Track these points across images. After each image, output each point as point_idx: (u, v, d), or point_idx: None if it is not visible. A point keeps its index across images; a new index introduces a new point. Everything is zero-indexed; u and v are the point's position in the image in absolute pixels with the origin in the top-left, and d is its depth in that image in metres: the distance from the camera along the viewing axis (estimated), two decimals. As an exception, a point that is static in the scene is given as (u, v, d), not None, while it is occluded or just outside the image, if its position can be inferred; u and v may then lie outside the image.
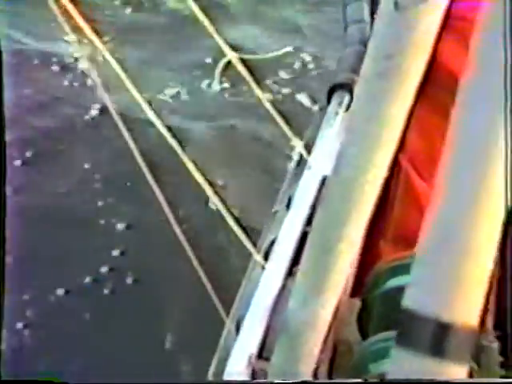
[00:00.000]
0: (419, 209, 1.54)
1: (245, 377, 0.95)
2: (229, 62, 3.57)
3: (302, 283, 0.86)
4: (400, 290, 1.21)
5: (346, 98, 1.50)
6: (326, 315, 0.89)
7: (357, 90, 0.70)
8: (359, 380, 1.21)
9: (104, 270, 2.67)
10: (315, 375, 1.15)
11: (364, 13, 1.73)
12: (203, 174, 2.99)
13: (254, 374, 0.95)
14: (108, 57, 3.54)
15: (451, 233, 0.49)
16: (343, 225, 0.77)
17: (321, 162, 1.32)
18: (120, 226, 2.84)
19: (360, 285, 1.50)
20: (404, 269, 1.24)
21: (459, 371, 0.52)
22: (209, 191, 2.88)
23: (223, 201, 2.81)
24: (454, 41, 1.64)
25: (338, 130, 1.38)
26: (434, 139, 1.50)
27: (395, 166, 1.93)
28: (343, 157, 0.72)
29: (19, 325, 2.56)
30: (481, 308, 0.51)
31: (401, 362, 0.53)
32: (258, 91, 3.15)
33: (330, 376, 1.10)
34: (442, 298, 0.49)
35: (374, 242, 1.82)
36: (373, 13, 1.88)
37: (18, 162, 3.05)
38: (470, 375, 0.96)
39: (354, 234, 0.78)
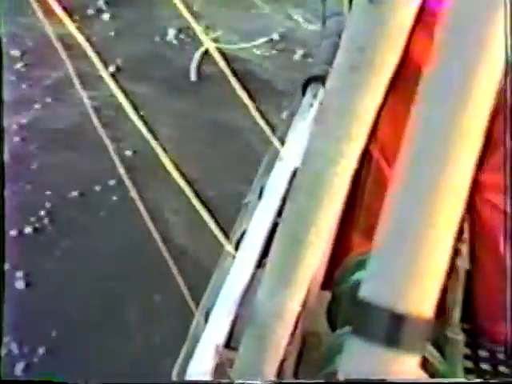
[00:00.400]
0: None
1: (211, 366, 0.95)
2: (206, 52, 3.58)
3: (271, 274, 0.86)
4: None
5: (321, 91, 1.50)
6: (293, 307, 0.89)
7: (329, 81, 0.70)
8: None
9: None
10: (282, 366, 1.16)
11: (343, 6, 1.73)
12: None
13: (220, 364, 0.95)
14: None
15: (407, 225, 0.49)
16: (312, 217, 0.77)
17: (293, 154, 1.32)
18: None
19: (331, 277, 1.51)
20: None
21: (413, 361, 0.52)
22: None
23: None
24: (427, 36, 1.67)
25: (310, 122, 1.39)
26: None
27: (366, 157, 1.96)
28: (312, 148, 0.72)
29: (41, 212, 3.24)
30: (436, 299, 0.51)
31: (355, 352, 0.54)
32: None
33: (297, 367, 1.11)
34: (397, 289, 0.50)
35: (346, 233, 1.84)
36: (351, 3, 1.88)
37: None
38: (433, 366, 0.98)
39: (324, 226, 0.78)
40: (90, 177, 3.48)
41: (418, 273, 0.49)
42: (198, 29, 3.57)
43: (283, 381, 1.06)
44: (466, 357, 2.28)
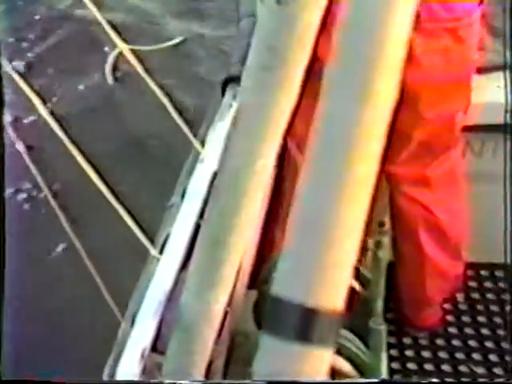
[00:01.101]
0: None
1: (137, 371, 0.94)
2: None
3: (195, 276, 0.87)
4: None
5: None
6: (219, 308, 0.90)
7: (242, 82, 0.71)
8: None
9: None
10: (210, 367, 1.16)
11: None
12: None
13: (147, 368, 0.95)
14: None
15: (314, 220, 0.50)
16: (233, 217, 0.78)
17: (213, 155, 1.33)
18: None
19: (257, 276, 1.52)
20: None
21: (326, 355, 0.54)
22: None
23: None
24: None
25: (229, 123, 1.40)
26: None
27: (286, 153, 1.99)
28: (230, 149, 0.73)
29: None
30: (345, 292, 0.53)
31: (268, 350, 0.55)
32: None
33: (226, 367, 1.11)
34: (307, 283, 0.51)
35: (271, 231, 1.87)
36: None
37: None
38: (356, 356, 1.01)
39: (246, 225, 0.79)
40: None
41: (326, 267, 0.50)
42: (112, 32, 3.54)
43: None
44: (392, 345, 2.36)
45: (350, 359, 1.09)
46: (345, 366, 1.08)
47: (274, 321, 0.52)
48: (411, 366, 2.30)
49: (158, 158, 3.46)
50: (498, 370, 2.26)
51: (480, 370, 2.27)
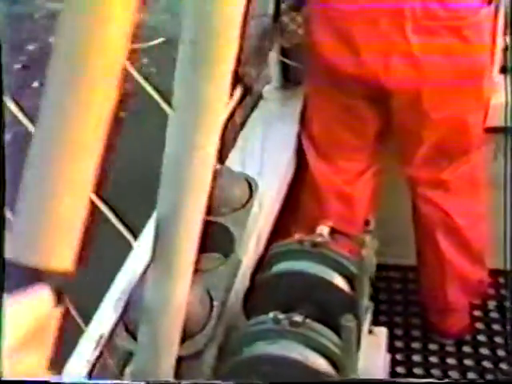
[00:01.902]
0: None
1: (93, 357, 0.96)
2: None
3: (152, 268, 0.88)
4: (287, 273, 1.25)
5: (238, 90, 1.53)
6: (177, 301, 0.91)
7: (176, 73, 0.72)
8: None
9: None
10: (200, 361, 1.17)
11: (268, 6, 1.77)
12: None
13: (103, 354, 0.97)
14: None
15: (35, 177, 0.51)
16: (178, 209, 0.79)
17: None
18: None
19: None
20: (293, 253, 1.28)
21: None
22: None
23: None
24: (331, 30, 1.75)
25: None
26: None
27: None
28: (171, 136, 0.75)
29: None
30: (73, 254, 0.53)
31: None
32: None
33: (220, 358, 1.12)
34: (31, 244, 0.52)
35: (285, 225, 1.87)
36: (278, 5, 1.93)
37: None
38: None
39: (191, 216, 0.80)
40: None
41: (49, 226, 0.51)
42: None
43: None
44: (416, 351, 2.32)
45: (326, 356, 1.09)
46: (320, 362, 1.08)
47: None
48: (435, 372, 2.26)
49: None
50: (524, 380, 2.20)
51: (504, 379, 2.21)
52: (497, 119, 2.04)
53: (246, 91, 1.54)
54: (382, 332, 1.45)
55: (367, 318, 1.36)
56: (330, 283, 1.20)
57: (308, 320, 1.10)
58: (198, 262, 1.44)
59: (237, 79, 1.53)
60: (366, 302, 1.21)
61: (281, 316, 1.10)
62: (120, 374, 1.10)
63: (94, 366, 0.95)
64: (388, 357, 1.49)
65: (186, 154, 0.75)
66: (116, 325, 0.99)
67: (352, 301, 1.17)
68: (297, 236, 1.29)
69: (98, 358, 0.96)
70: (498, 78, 2.05)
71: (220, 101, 0.71)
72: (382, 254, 2.44)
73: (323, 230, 1.39)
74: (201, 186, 0.78)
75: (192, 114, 0.72)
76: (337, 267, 1.23)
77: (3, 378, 0.79)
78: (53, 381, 0.73)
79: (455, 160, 2.01)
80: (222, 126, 1.55)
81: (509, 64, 2.02)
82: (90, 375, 0.92)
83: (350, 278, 1.22)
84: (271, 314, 1.11)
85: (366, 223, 1.19)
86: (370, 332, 1.40)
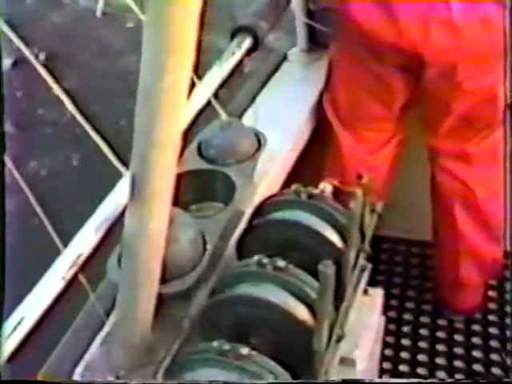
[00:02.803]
0: None
1: (69, 275, 0.99)
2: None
3: (129, 194, 0.90)
4: (278, 221, 1.26)
5: (247, 41, 1.53)
6: (154, 227, 0.93)
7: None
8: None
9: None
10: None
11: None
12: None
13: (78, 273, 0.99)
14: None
15: None
16: (151, 135, 0.81)
17: (203, 92, 1.36)
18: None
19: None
20: (288, 203, 1.29)
21: None
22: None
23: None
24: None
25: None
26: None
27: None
28: (141, 66, 0.76)
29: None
30: None
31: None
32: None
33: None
34: None
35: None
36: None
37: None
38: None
39: (166, 141, 0.82)
40: None
41: None
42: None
43: None
44: (424, 325, 2.32)
45: (305, 302, 1.10)
46: (297, 307, 1.09)
47: None
48: (441, 347, 2.25)
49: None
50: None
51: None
52: None
53: (256, 43, 1.53)
54: (377, 293, 1.45)
55: (363, 278, 1.36)
56: (318, 233, 1.21)
57: (291, 266, 1.11)
58: (199, 209, 1.48)
59: (248, 29, 1.53)
60: (360, 260, 1.22)
61: (265, 260, 1.11)
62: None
63: (69, 284, 0.98)
64: (383, 319, 1.49)
65: (157, 78, 0.76)
66: (97, 247, 1.02)
67: (338, 251, 1.17)
68: (294, 187, 1.29)
69: (74, 277, 0.98)
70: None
71: (190, 23, 0.71)
72: (403, 229, 2.47)
73: (326, 186, 1.40)
74: (174, 110, 0.79)
75: (162, 37, 0.73)
76: (328, 218, 1.23)
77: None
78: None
79: (480, 133, 1.98)
80: (227, 75, 1.57)
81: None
82: (63, 294, 0.95)
83: (340, 230, 1.22)
84: (256, 258, 1.12)
85: (358, 177, 1.19)
86: (366, 292, 1.40)
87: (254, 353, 0.95)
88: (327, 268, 0.99)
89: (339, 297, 1.16)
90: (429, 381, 1.86)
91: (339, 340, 1.13)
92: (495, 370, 2.16)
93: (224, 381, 0.93)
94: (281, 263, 1.10)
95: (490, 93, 1.88)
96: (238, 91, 1.86)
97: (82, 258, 1.00)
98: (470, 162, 2.02)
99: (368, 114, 2.02)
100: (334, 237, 1.23)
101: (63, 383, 0.97)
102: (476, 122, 1.95)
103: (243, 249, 1.27)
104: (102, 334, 1.11)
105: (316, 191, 1.28)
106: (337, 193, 1.39)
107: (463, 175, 2.04)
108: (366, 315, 1.36)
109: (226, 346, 0.95)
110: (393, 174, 2.14)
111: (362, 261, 1.29)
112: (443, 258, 2.22)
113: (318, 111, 2.06)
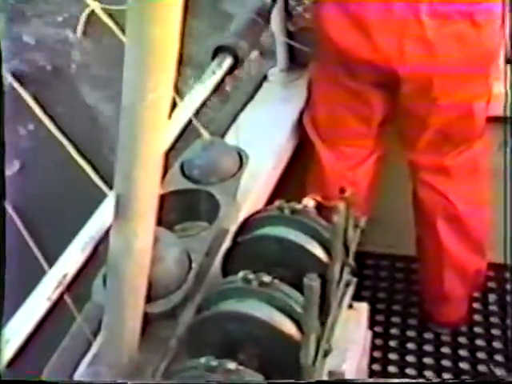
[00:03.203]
0: None
1: (54, 296, 0.98)
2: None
3: (114, 211, 0.90)
4: (263, 238, 1.27)
5: (228, 61, 1.55)
6: (139, 245, 0.93)
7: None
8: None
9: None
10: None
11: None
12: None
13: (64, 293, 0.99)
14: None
15: None
16: (133, 151, 0.82)
17: (184, 111, 1.37)
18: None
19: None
20: (272, 219, 1.29)
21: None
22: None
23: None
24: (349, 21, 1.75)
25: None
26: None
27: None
28: (125, 81, 0.77)
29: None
30: None
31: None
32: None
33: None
34: None
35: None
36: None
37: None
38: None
39: (147, 159, 0.83)
40: None
41: None
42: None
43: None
44: (410, 339, 2.32)
45: (291, 317, 1.10)
46: (284, 322, 1.09)
47: None
48: (428, 360, 2.26)
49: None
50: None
51: (499, 372, 2.20)
52: (501, 108, 2.04)
53: (236, 62, 1.55)
54: (363, 308, 1.45)
55: (348, 292, 1.37)
56: (303, 248, 1.22)
57: (276, 281, 1.12)
58: (183, 229, 1.48)
59: (228, 49, 1.55)
60: (345, 274, 1.23)
61: (251, 276, 1.12)
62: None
63: (55, 304, 0.98)
64: (369, 333, 1.50)
65: (139, 97, 0.77)
66: (82, 267, 1.02)
67: (323, 265, 1.18)
68: (277, 203, 1.30)
69: (60, 297, 0.98)
70: (503, 67, 2.05)
71: (171, 42, 0.73)
72: (387, 244, 2.49)
73: (308, 202, 1.41)
74: (156, 128, 0.80)
75: (143, 56, 0.74)
76: (312, 233, 1.24)
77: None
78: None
79: (458, 147, 2.01)
80: (208, 94, 1.58)
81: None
82: (49, 313, 0.95)
83: (325, 245, 1.23)
84: (241, 274, 1.12)
85: (340, 191, 1.20)
86: (351, 306, 1.41)
87: (241, 368, 0.96)
88: (312, 281, 0.99)
89: (325, 311, 1.17)
90: (417, 381, 1.87)
91: (326, 354, 1.13)
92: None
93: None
94: (266, 278, 1.11)
95: (465, 108, 1.91)
96: (219, 111, 1.88)
97: (68, 278, 1.00)
98: (450, 175, 2.04)
99: (347, 130, 2.05)
100: (318, 251, 1.24)
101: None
102: (453, 137, 1.98)
103: (228, 266, 1.28)
104: (90, 355, 1.11)
105: (299, 206, 1.29)
106: (320, 208, 1.41)
107: (443, 189, 2.06)
108: (352, 330, 1.37)
109: (214, 362, 0.95)
110: (374, 189, 2.16)
111: (346, 275, 1.30)
112: (427, 272, 2.24)
113: (299, 129, 2.08)
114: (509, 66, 2.10)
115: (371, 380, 1.88)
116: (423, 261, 2.24)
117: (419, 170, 2.08)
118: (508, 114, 1.96)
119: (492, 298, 2.46)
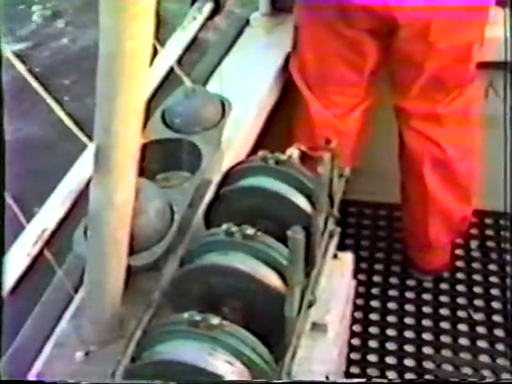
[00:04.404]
0: None
1: (33, 251, 0.97)
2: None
3: (93, 163, 0.87)
4: (246, 188, 1.25)
5: (208, 6, 1.50)
6: (120, 198, 0.91)
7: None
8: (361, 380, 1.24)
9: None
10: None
11: None
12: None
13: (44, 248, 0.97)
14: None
15: None
16: (113, 102, 0.78)
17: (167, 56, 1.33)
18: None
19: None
20: (255, 169, 1.27)
21: None
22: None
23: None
24: None
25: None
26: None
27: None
28: (101, 28, 0.73)
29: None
30: None
31: None
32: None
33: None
34: None
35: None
36: None
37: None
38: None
39: (128, 109, 0.79)
40: None
41: None
42: None
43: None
44: (393, 286, 2.34)
45: (276, 269, 1.09)
46: (268, 274, 1.08)
47: None
48: (409, 307, 2.28)
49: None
50: (498, 318, 2.22)
51: (478, 317, 2.23)
52: (492, 54, 2.01)
53: (217, 7, 1.50)
54: (347, 257, 1.45)
55: (332, 242, 1.36)
56: (287, 199, 1.20)
57: (260, 233, 1.10)
58: (165, 178, 1.46)
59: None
60: (329, 225, 1.21)
61: (234, 228, 1.10)
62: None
63: (35, 259, 0.95)
64: (353, 283, 1.50)
65: (118, 45, 0.73)
66: (62, 221, 1.00)
67: (307, 216, 1.16)
68: (261, 153, 1.28)
69: (40, 253, 0.96)
70: (495, 11, 2.01)
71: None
72: (369, 192, 2.48)
73: (293, 152, 1.39)
74: (136, 77, 0.77)
75: (120, 1, 0.70)
76: (297, 184, 1.22)
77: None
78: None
79: (450, 93, 1.98)
80: (189, 41, 1.54)
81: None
82: (29, 270, 0.93)
83: (309, 196, 1.22)
84: (224, 226, 1.11)
85: (326, 141, 1.18)
86: (335, 257, 1.41)
87: (225, 322, 0.95)
88: (297, 234, 0.98)
89: (309, 263, 1.16)
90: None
91: (310, 306, 1.13)
92: (461, 327, 2.20)
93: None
94: (249, 231, 1.09)
95: (463, 52, 1.87)
96: (201, 57, 1.83)
97: (47, 233, 0.97)
98: (441, 122, 2.02)
99: (338, 78, 2.01)
100: (302, 202, 1.23)
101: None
102: (447, 82, 1.95)
103: (211, 218, 1.26)
104: (71, 309, 1.10)
105: (283, 157, 1.27)
106: (304, 158, 1.39)
107: (434, 135, 2.04)
108: (337, 280, 1.37)
109: (197, 317, 0.94)
110: (362, 137, 2.13)
111: (330, 226, 1.29)
112: (412, 220, 2.24)
113: (284, 75, 2.04)
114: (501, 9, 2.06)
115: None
116: (408, 208, 2.24)
117: (410, 118, 2.05)
118: (508, 58, 1.92)
119: (474, 244, 2.48)
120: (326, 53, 1.97)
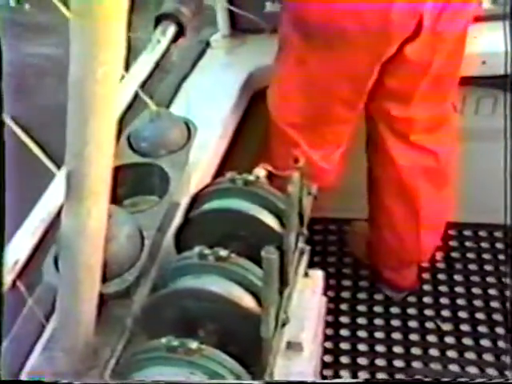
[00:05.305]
0: None
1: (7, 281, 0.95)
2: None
3: (67, 187, 0.86)
4: (215, 211, 1.24)
5: (171, 29, 1.50)
6: (93, 224, 0.90)
7: None
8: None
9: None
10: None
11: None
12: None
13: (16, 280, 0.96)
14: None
15: None
16: (84, 127, 0.78)
17: (132, 81, 1.33)
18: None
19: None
20: (224, 191, 1.27)
21: None
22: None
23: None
24: None
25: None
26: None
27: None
28: (73, 55, 0.73)
29: None
30: None
31: None
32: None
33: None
34: None
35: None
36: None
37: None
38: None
39: (99, 133, 0.79)
40: None
41: None
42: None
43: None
44: (361, 301, 2.36)
45: (250, 291, 1.09)
46: (243, 296, 1.08)
47: None
48: (378, 321, 2.30)
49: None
50: (465, 328, 2.25)
51: (447, 327, 2.26)
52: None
53: (181, 30, 1.51)
54: (317, 274, 1.46)
55: (303, 260, 1.36)
56: (257, 219, 1.20)
57: (233, 255, 1.10)
58: (132, 204, 1.44)
59: (171, 16, 1.50)
60: (299, 243, 1.22)
61: (206, 251, 1.10)
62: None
63: (7, 292, 0.94)
64: (324, 299, 1.50)
65: (89, 71, 0.73)
66: (33, 252, 0.98)
67: (278, 236, 1.17)
68: (229, 175, 1.28)
69: (13, 284, 0.95)
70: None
71: (119, 12, 0.69)
72: (334, 209, 2.49)
73: (260, 172, 1.39)
74: (108, 102, 0.76)
75: (91, 30, 0.70)
76: (266, 204, 1.22)
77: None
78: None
79: (447, 94, 1.93)
80: (154, 64, 1.54)
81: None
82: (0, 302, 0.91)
83: (279, 215, 1.22)
84: (197, 249, 1.10)
85: (295, 161, 1.18)
86: (306, 275, 1.41)
87: (203, 346, 0.94)
88: (270, 254, 0.98)
89: (282, 281, 1.16)
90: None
91: (284, 325, 1.13)
92: (430, 338, 2.22)
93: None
94: (223, 253, 1.09)
95: (462, 35, 1.81)
96: (164, 80, 1.83)
97: (20, 264, 0.95)
98: (436, 127, 1.97)
99: (330, 117, 1.89)
100: (272, 222, 1.23)
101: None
102: (447, 79, 1.88)
103: (181, 241, 1.25)
104: (43, 340, 1.08)
105: (251, 177, 1.27)
106: (271, 177, 1.39)
107: (429, 144, 1.98)
108: (309, 297, 1.37)
109: (175, 342, 0.93)
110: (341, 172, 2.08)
111: (301, 244, 1.29)
112: (395, 239, 2.16)
113: (246, 95, 2.05)
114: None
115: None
116: (392, 228, 2.15)
117: (411, 129, 1.95)
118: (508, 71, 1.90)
119: (439, 255, 2.52)
120: (317, 86, 1.82)
